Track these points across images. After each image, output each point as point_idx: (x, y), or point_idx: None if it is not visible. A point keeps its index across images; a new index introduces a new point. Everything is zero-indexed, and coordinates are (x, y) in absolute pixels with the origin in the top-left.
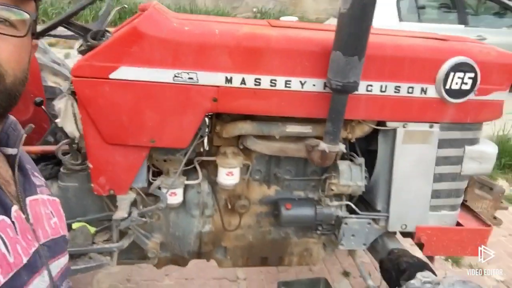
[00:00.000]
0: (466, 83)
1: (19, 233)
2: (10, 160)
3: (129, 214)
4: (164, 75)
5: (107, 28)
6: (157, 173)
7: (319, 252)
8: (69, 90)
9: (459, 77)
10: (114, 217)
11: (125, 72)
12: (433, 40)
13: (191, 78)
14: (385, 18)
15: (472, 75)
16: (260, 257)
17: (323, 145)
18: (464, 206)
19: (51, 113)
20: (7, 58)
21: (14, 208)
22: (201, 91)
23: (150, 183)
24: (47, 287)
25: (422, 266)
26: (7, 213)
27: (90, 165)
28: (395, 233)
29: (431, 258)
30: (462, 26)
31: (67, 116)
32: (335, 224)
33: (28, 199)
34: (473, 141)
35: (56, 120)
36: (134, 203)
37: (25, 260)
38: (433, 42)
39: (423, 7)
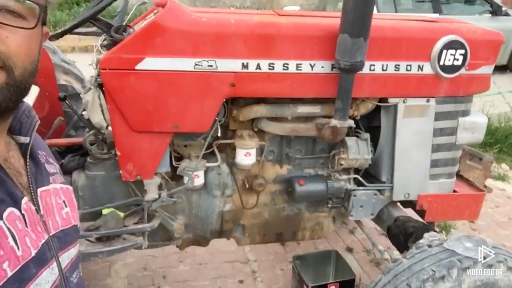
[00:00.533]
0: (457, 59)
1: (29, 225)
2: (23, 148)
3: (159, 195)
4: (185, 64)
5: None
6: (178, 159)
7: (329, 225)
8: (96, 83)
9: (451, 54)
10: (146, 198)
11: (150, 63)
12: (424, 22)
13: (211, 66)
14: None
15: (462, 51)
16: (275, 233)
17: (334, 121)
18: (458, 175)
19: (71, 108)
20: (16, 50)
21: (24, 200)
22: (220, 77)
23: (172, 168)
24: (56, 278)
25: (428, 228)
26: (17, 205)
27: (118, 153)
28: (397, 203)
29: (431, 225)
30: (437, 14)
31: (94, 107)
32: (344, 197)
33: (39, 190)
34: (465, 113)
35: (83, 112)
36: (160, 187)
37: (33, 253)
38: (426, 24)
39: None
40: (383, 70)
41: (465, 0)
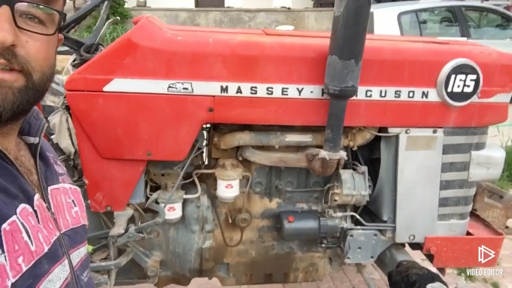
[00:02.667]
0: (468, 86)
1: (41, 221)
2: (32, 149)
3: (126, 230)
4: (158, 86)
5: (100, 42)
6: (155, 188)
7: (325, 267)
8: (63, 105)
9: (460, 80)
10: (111, 233)
11: (119, 84)
12: (433, 43)
13: (186, 88)
14: (387, 33)
15: (474, 77)
16: (264, 273)
17: (323, 153)
18: (474, 215)
19: (48, 132)
20: (35, 55)
21: (36, 197)
22: (196, 101)
23: (148, 199)
24: (68, 276)
25: (432, 278)
26: (30, 202)
27: (86, 181)
28: (403, 245)
29: (442, 270)
30: (465, 38)
31: (61, 131)
32: (340, 237)
33: (49, 188)
34: (479, 146)
35: (52, 136)
36: (132, 220)
37: (46, 249)
38: (432, 46)
39: (424, 22)
40: (381, 96)
41: (497, 24)
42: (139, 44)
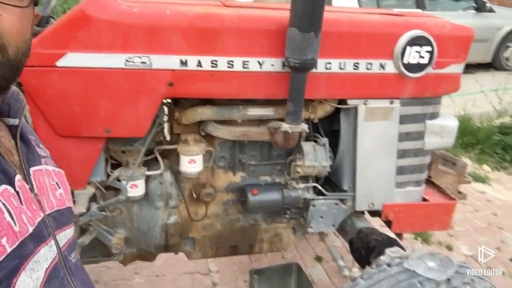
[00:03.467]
0: (423, 57)
1: (24, 202)
2: (12, 130)
3: (88, 209)
4: (115, 60)
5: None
6: (116, 166)
7: (289, 237)
8: (15, 82)
9: (416, 51)
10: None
11: (73, 59)
12: (389, 15)
13: (144, 62)
14: (345, 5)
15: (429, 48)
16: (230, 246)
17: (285, 126)
18: (429, 182)
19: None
20: (9, 29)
21: (18, 178)
22: (156, 76)
23: (109, 176)
24: (55, 257)
25: (391, 243)
26: (11, 183)
27: None
28: (363, 212)
29: (399, 236)
30: (420, 10)
31: None
32: (303, 207)
33: (32, 169)
34: (433, 115)
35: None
36: (94, 198)
37: (30, 229)
38: (389, 18)
39: None
40: (340, 68)
41: None
42: (93, 16)
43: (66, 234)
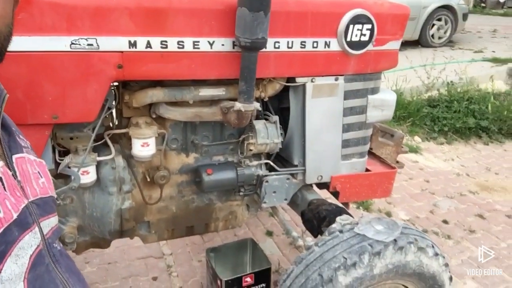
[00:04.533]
0: (364, 35)
1: (7, 189)
2: None
3: None
4: (59, 43)
5: None
6: (64, 153)
7: (243, 214)
8: None
9: (358, 29)
10: None
11: (14, 43)
12: None
13: (91, 45)
14: None
15: (369, 26)
16: (185, 227)
17: (238, 105)
18: (370, 153)
19: None
20: None
21: (1, 164)
22: (104, 58)
23: (58, 164)
24: (39, 244)
25: (340, 211)
26: None
27: None
28: (311, 186)
29: (346, 205)
30: None
31: None
32: (256, 184)
33: (14, 157)
34: (374, 90)
35: None
36: None
37: (15, 216)
38: None
39: None
40: (288, 47)
41: None
42: None
43: (50, 222)
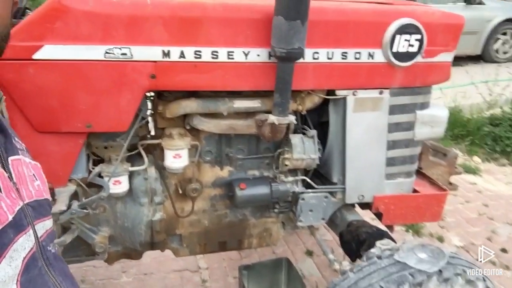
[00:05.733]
0: (412, 45)
1: (3, 190)
2: None
3: (69, 206)
4: (94, 51)
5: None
6: (99, 162)
7: (278, 232)
8: None
9: (405, 40)
10: (52, 210)
11: (50, 51)
12: (376, 4)
13: (125, 54)
14: None
15: (418, 36)
16: (218, 242)
17: (272, 118)
18: (420, 173)
19: None
20: None
21: None
22: (137, 68)
23: (91, 173)
24: (33, 246)
25: (381, 235)
26: None
27: None
28: (353, 205)
29: (390, 228)
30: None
31: None
32: (292, 201)
33: (10, 159)
34: (423, 106)
35: None
36: (76, 196)
37: (10, 217)
38: (377, 6)
39: None
40: (328, 58)
41: None
42: (70, 6)
43: (45, 225)
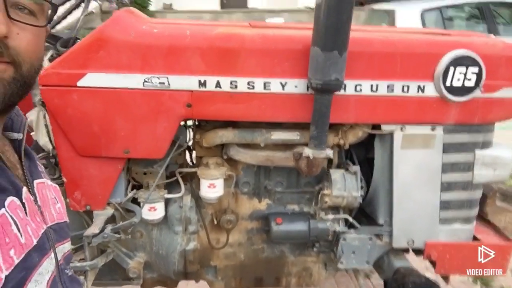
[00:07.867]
0: (469, 79)
1: (29, 214)
2: (15, 144)
3: (102, 230)
4: (133, 80)
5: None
6: (139, 188)
7: (320, 273)
8: (40, 101)
9: (460, 72)
10: (85, 233)
11: (92, 79)
12: (431, 34)
13: (162, 83)
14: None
15: (475, 69)
16: (254, 277)
17: (308, 151)
18: (484, 220)
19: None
20: (25, 47)
21: (25, 190)
22: (174, 96)
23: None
24: (54, 269)
25: (430, 286)
26: (18, 195)
27: (65, 179)
28: (405, 250)
29: (446, 279)
30: (492, 35)
31: (39, 128)
32: (333, 241)
33: (35, 182)
34: (484, 145)
35: (32, 133)
36: (113, 219)
37: (35, 241)
38: (430, 37)
39: (450, 19)
40: (372, 91)
41: None
42: (112, 37)
43: (64, 248)
